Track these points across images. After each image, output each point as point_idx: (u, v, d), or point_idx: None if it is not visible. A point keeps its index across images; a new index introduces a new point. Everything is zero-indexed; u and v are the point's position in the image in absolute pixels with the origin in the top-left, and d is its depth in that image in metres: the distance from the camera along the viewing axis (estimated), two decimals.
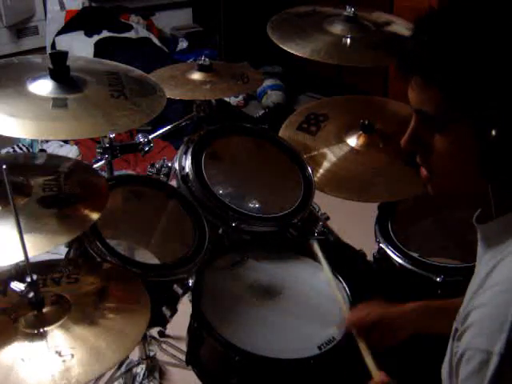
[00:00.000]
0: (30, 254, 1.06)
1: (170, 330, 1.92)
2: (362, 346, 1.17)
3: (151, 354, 1.87)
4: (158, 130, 2.01)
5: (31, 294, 1.11)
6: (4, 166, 1.00)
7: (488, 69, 0.76)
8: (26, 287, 1.11)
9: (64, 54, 1.34)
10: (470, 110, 0.78)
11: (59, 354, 1.06)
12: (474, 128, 0.79)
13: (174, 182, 1.60)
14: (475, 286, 0.85)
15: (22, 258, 1.06)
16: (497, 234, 0.85)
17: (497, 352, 0.75)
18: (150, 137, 1.66)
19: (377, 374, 1.11)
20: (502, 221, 0.84)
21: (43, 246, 1.12)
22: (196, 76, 1.82)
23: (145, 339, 1.76)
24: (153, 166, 1.63)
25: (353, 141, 1.71)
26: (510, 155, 0.78)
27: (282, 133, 1.77)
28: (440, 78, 0.79)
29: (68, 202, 1.22)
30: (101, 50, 3.58)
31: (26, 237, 1.05)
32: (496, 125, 0.77)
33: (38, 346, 1.08)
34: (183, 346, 1.44)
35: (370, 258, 1.58)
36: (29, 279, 1.10)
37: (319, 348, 1.22)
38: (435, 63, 0.79)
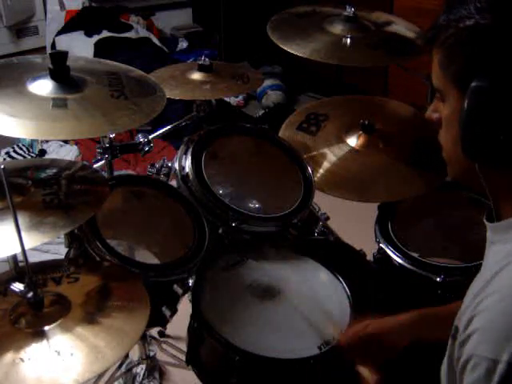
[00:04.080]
0: (31, 245, 1.07)
1: (170, 330, 1.91)
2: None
3: (151, 354, 1.87)
4: (158, 130, 2.01)
5: (30, 294, 1.12)
6: (2, 166, 1.01)
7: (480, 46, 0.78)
8: (25, 287, 1.11)
9: (64, 54, 1.34)
10: (458, 80, 0.81)
11: (58, 353, 1.06)
12: (461, 100, 0.80)
13: (174, 182, 1.60)
14: (479, 285, 0.83)
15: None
16: (505, 234, 0.83)
17: (504, 360, 0.73)
18: (150, 137, 1.66)
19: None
20: (510, 221, 0.83)
21: (43, 238, 1.12)
22: (196, 76, 1.82)
23: (145, 339, 1.76)
24: (153, 166, 1.63)
25: (353, 141, 1.71)
26: (488, 133, 0.78)
27: (281, 133, 1.77)
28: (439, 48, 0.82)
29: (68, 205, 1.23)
30: (101, 50, 3.58)
31: (26, 233, 1.06)
32: (472, 97, 0.78)
33: (37, 345, 1.08)
34: (183, 346, 1.45)
35: (369, 257, 1.58)
36: (28, 279, 1.10)
37: (319, 348, 1.22)
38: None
